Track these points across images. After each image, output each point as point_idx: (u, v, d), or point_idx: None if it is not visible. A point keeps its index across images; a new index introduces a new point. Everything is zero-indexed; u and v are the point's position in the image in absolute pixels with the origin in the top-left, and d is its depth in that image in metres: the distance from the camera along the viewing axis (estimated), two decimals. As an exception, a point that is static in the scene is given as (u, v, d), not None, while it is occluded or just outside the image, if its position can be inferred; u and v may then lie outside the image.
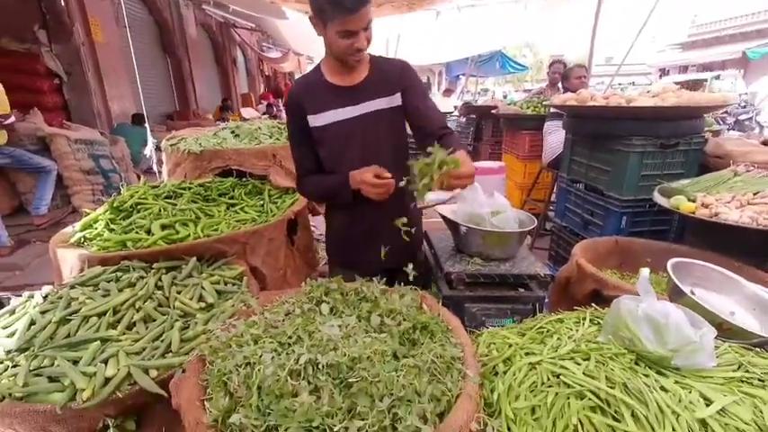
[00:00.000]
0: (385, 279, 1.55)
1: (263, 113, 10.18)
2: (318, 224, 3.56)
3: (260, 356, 0.80)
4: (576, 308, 1.57)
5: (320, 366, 0.74)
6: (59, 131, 4.11)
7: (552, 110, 3.87)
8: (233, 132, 2.33)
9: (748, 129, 9.46)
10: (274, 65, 14.77)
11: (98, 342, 0.97)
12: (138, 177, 5.11)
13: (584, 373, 0.78)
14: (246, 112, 9.22)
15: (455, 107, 8.19)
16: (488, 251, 1.39)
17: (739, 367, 0.81)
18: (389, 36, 8.19)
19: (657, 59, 22.74)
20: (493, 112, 5.22)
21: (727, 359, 0.84)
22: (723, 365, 0.82)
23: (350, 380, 0.74)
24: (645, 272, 0.88)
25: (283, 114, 12.47)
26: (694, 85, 12.75)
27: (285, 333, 0.85)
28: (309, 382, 0.73)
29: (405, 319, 0.97)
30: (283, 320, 0.93)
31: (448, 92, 11.16)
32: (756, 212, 1.46)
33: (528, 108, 4.74)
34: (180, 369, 0.89)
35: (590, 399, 0.72)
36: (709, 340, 0.80)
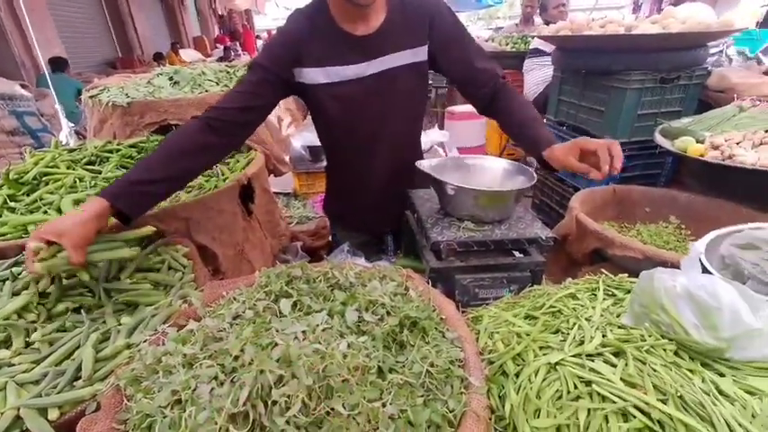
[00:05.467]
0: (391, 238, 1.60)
1: (220, 59, 9.23)
2: (283, 184, 3.26)
3: (193, 390, 0.58)
4: (579, 272, 1.43)
5: (275, 403, 0.53)
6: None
7: (532, 46, 3.56)
8: (171, 79, 1.94)
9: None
10: (227, 2, 13.28)
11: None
12: (81, 137, 4.53)
13: (622, 379, 0.61)
14: (186, 53, 8.17)
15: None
16: (481, 213, 1.19)
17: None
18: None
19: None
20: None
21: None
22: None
23: (319, 416, 0.54)
24: (697, 246, 0.69)
25: (243, 58, 11.43)
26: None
27: (229, 351, 0.63)
28: (263, 428, 0.53)
29: (389, 313, 0.77)
30: (230, 328, 0.71)
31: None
32: (774, 153, 1.30)
33: (507, 45, 4.39)
34: (93, 403, 0.67)
35: (636, 417, 0.55)
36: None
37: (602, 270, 1.03)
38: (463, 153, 3.05)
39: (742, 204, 1.39)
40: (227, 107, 1.10)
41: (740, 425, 0.52)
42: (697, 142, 1.54)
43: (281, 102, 2.05)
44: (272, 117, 1.92)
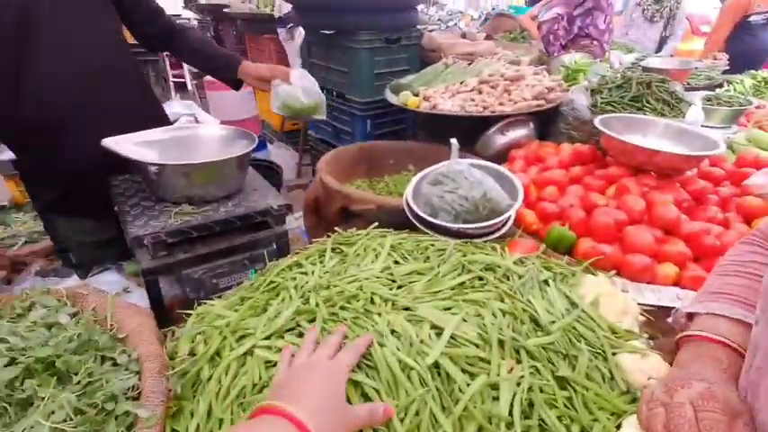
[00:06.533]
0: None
1: None
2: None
3: None
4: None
5: None
6: None
7: (283, 12, 3.46)
8: None
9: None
10: None
11: None
12: None
13: (307, 350, 0.56)
14: None
15: (184, 5, 6.58)
16: (200, 191, 1.01)
17: (462, 270, 0.77)
18: None
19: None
20: (226, 11, 4.35)
21: (453, 262, 0.78)
22: (449, 272, 0.76)
23: None
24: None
25: None
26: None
27: None
28: None
29: (15, 361, 0.53)
30: None
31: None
32: (463, 100, 1.56)
33: (267, 7, 4.15)
34: None
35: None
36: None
37: (337, 229, 1.02)
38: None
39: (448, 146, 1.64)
40: None
41: (399, 360, 0.54)
42: (416, 96, 1.73)
43: None
44: None
